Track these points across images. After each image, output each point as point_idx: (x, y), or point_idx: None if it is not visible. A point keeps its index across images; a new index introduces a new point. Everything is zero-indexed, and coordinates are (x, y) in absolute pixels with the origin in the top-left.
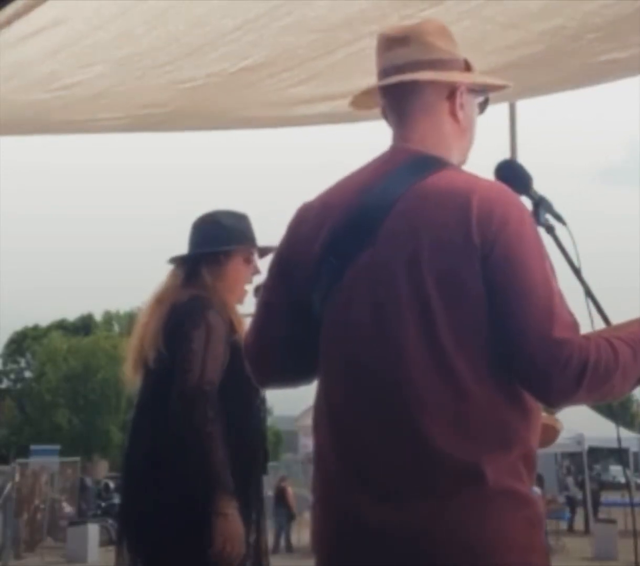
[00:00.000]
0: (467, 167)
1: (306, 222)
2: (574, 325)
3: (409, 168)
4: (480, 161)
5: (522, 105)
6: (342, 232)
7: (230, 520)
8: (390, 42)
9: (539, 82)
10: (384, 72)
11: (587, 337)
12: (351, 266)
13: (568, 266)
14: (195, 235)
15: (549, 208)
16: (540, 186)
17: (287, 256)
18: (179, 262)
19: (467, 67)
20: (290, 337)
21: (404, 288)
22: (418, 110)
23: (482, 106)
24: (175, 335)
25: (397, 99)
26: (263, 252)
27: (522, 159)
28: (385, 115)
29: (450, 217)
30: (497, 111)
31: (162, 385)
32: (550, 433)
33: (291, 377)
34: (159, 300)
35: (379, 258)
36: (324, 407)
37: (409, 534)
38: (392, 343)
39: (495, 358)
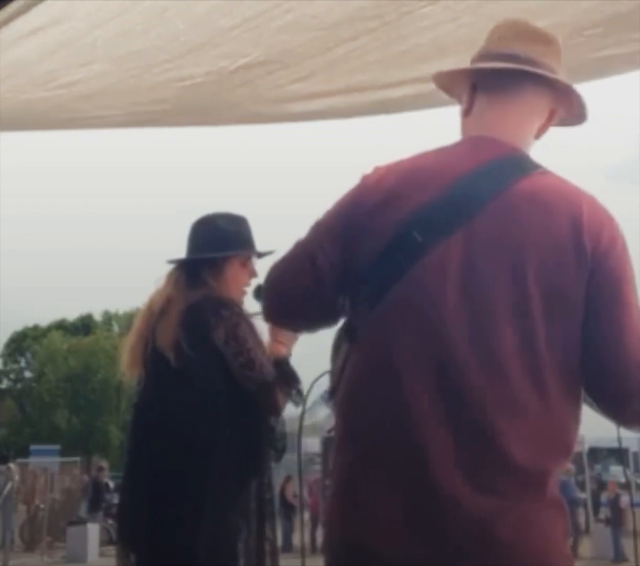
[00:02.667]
0: None
1: (379, 192)
2: None
3: (509, 164)
4: None
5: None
6: (432, 212)
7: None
8: (535, 36)
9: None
10: (511, 58)
11: None
12: (437, 247)
13: None
14: (194, 238)
15: None
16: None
17: (353, 220)
18: (179, 264)
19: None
20: (323, 295)
21: (504, 291)
22: (526, 111)
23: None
24: (203, 335)
25: (508, 91)
26: (261, 254)
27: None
28: (469, 101)
29: (562, 224)
30: None
31: (184, 384)
32: None
33: (309, 324)
34: (169, 299)
35: (474, 250)
36: (382, 393)
37: (467, 526)
38: (484, 347)
39: (580, 374)
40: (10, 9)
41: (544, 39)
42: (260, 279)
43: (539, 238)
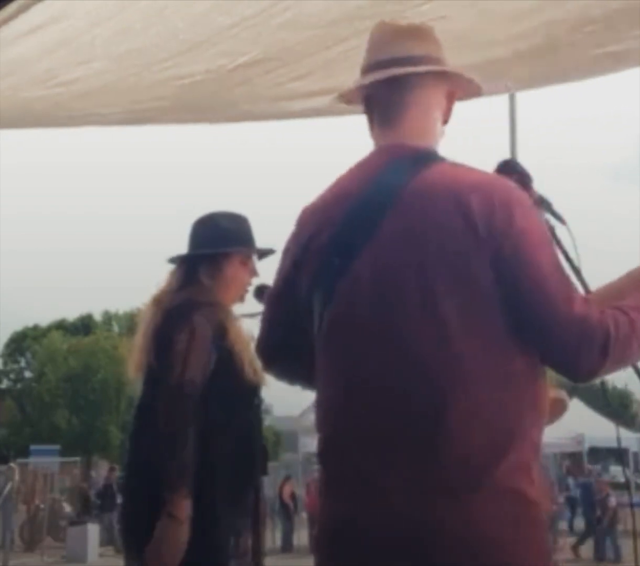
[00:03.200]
0: (474, 163)
1: (307, 225)
2: (589, 302)
3: (404, 164)
4: (482, 156)
5: (534, 103)
6: (342, 232)
7: (176, 524)
8: (402, 34)
9: (537, 74)
10: (392, 62)
11: (602, 311)
12: (353, 266)
13: (568, 266)
14: (194, 237)
15: (549, 208)
16: (555, 184)
17: (291, 261)
18: (178, 262)
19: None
20: (295, 340)
21: (412, 289)
22: (421, 107)
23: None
24: (161, 341)
25: (394, 91)
26: (262, 254)
27: (535, 157)
28: (371, 108)
29: (454, 215)
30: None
31: (153, 389)
32: (558, 406)
33: (295, 377)
34: (156, 301)
35: (383, 258)
36: (327, 405)
37: (418, 528)
38: (400, 345)
39: (511, 355)
40: (10, 8)
41: (416, 33)
42: (261, 279)
43: (435, 231)
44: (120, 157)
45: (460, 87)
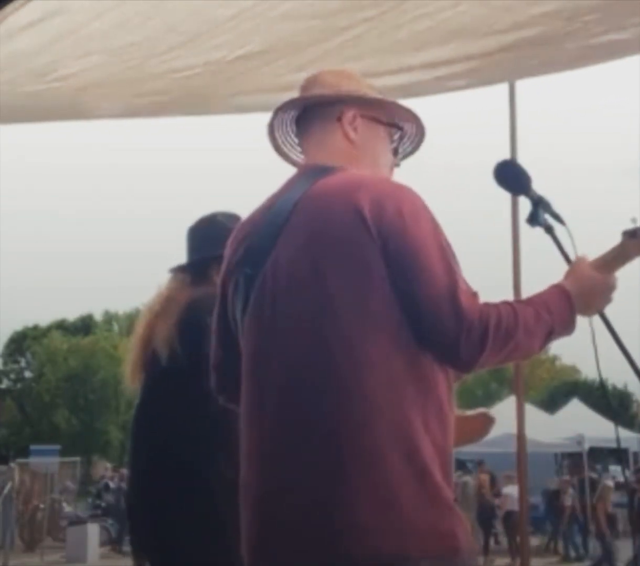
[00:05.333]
0: (474, 162)
1: (233, 242)
2: (473, 294)
3: (304, 178)
4: (482, 156)
5: (551, 106)
6: (252, 245)
7: None
8: (301, 90)
9: (535, 63)
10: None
11: (487, 304)
12: (260, 274)
13: (568, 265)
14: (198, 238)
15: (548, 208)
16: (568, 182)
17: (221, 288)
18: (186, 267)
19: (371, 99)
20: (234, 366)
21: (307, 283)
22: (314, 133)
23: (394, 149)
24: (193, 333)
25: (300, 125)
26: None
27: (535, 154)
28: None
29: (345, 212)
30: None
31: (174, 382)
32: (480, 423)
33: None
34: (169, 298)
35: (282, 258)
36: (245, 413)
37: (314, 520)
38: (297, 338)
39: (403, 341)
40: (9, 3)
41: (303, 88)
42: None
43: (325, 231)
44: (120, 158)
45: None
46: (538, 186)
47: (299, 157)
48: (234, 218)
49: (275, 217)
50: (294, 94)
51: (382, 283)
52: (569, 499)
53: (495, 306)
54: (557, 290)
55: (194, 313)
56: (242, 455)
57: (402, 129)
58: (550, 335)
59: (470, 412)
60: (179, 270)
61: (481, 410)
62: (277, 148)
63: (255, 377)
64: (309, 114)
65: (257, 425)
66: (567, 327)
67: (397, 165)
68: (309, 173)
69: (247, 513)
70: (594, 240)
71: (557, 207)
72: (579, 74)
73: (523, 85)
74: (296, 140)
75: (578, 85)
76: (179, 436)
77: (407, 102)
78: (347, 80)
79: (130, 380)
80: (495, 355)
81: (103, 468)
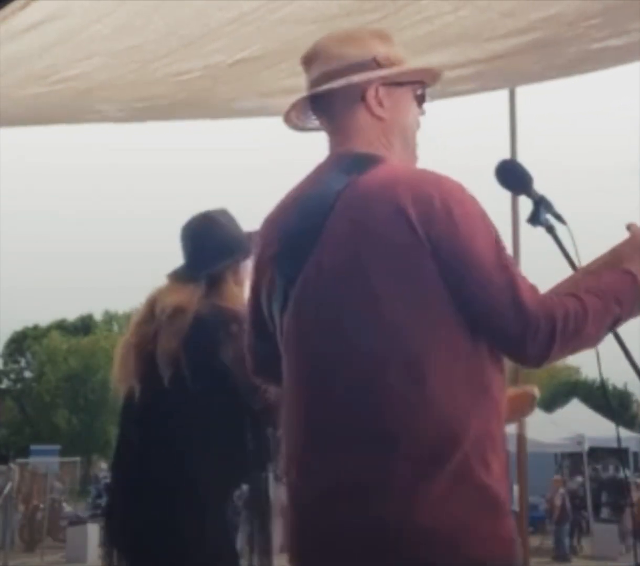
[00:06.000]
0: (474, 163)
1: (263, 235)
2: (534, 289)
3: (340, 170)
4: (482, 156)
5: (551, 108)
6: (288, 243)
7: None
8: (303, 64)
9: (536, 69)
10: (306, 90)
11: (551, 297)
12: (301, 274)
13: (569, 266)
14: (205, 244)
15: (549, 208)
16: (568, 184)
17: (254, 276)
18: (198, 277)
19: (382, 64)
20: (271, 352)
21: (354, 289)
22: (337, 117)
23: (420, 98)
24: (208, 353)
25: (319, 112)
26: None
27: (536, 155)
28: (320, 119)
29: (391, 214)
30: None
31: (175, 404)
32: (526, 401)
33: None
34: (178, 309)
35: (324, 264)
36: (287, 405)
37: (370, 527)
38: (345, 345)
39: (461, 347)
40: (9, 4)
41: (308, 60)
42: None
43: (372, 231)
44: (121, 158)
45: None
46: (539, 187)
47: (314, 124)
48: (229, 216)
49: (311, 213)
50: (294, 97)
51: (435, 287)
52: (559, 498)
53: (561, 301)
54: (629, 278)
55: (203, 334)
56: (286, 460)
57: (423, 83)
58: (616, 325)
59: (511, 390)
60: (188, 279)
61: (524, 387)
62: (297, 129)
63: (300, 384)
64: (326, 95)
65: (302, 434)
66: (633, 316)
67: (423, 113)
68: (343, 164)
69: (296, 519)
70: (594, 240)
71: (558, 207)
72: (580, 76)
73: (524, 88)
74: (313, 116)
75: (579, 87)
76: (177, 456)
77: None
78: (354, 45)
79: (119, 383)
80: (563, 351)
81: (98, 468)
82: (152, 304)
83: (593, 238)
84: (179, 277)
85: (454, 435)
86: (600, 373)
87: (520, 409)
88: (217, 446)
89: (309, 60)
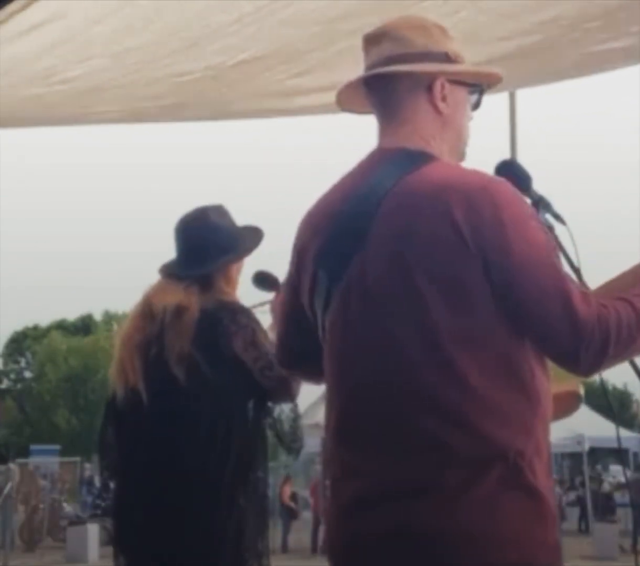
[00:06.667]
0: (474, 163)
1: (304, 230)
2: (587, 297)
3: (391, 167)
4: (482, 155)
5: (552, 109)
6: (334, 239)
7: None
8: (367, 43)
9: (537, 72)
10: (364, 71)
11: (604, 305)
12: (346, 272)
13: (568, 266)
14: (201, 244)
15: (549, 208)
16: (568, 184)
17: (293, 269)
18: (191, 276)
19: (452, 60)
20: (308, 344)
21: (400, 296)
22: (396, 104)
23: (476, 103)
24: (221, 345)
25: (377, 95)
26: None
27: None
28: (373, 108)
29: (438, 219)
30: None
31: (194, 402)
32: (571, 400)
33: (313, 378)
34: (181, 308)
35: (369, 263)
36: (332, 406)
37: (415, 530)
38: (389, 352)
39: (507, 352)
40: (10, 6)
41: (375, 39)
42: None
43: (417, 235)
44: (121, 157)
45: (451, 72)
46: (538, 187)
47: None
48: (224, 211)
49: (359, 211)
50: (295, 98)
51: (480, 291)
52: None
53: (614, 308)
54: None
55: (214, 328)
56: (329, 459)
57: (482, 87)
58: None
59: (555, 387)
60: (181, 277)
61: (569, 384)
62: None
63: (344, 384)
64: (389, 78)
65: (345, 433)
66: None
67: (471, 118)
68: (395, 160)
69: (336, 520)
70: (594, 240)
71: (557, 207)
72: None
73: (524, 88)
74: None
75: (580, 88)
76: (199, 454)
77: None
78: (426, 35)
79: (117, 383)
80: (617, 359)
81: (89, 469)
82: (148, 302)
83: (593, 239)
84: (171, 274)
85: (502, 439)
86: (600, 373)
87: (565, 409)
88: (239, 438)
89: (375, 40)
